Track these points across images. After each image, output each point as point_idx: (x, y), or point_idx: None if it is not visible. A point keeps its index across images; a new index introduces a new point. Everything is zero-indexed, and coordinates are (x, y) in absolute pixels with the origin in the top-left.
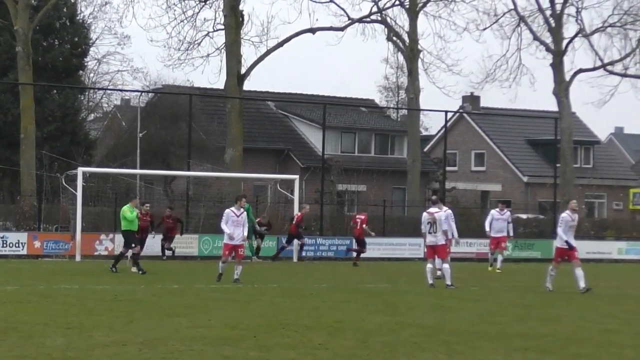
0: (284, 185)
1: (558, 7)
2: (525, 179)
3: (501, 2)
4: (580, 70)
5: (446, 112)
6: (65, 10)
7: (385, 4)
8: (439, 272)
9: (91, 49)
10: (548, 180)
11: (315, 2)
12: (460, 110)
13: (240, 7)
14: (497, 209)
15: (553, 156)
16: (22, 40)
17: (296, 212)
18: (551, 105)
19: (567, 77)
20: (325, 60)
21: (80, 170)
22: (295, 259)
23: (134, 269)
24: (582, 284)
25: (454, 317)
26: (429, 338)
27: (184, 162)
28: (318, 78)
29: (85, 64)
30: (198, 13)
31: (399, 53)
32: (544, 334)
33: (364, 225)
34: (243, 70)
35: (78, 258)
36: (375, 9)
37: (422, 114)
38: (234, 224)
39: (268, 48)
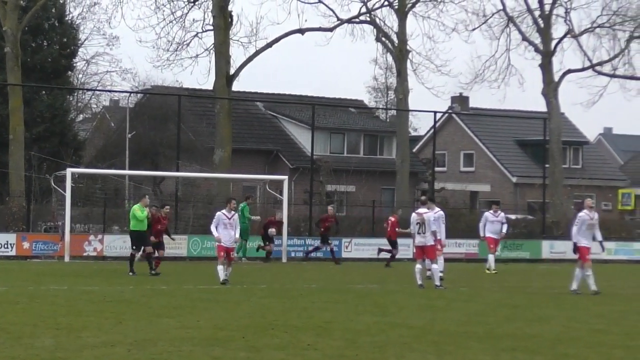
0: (273, 186)
1: (547, 7)
2: (514, 179)
3: (490, 2)
4: (569, 71)
5: (435, 112)
6: (54, 11)
7: (374, 5)
8: (428, 273)
9: (80, 49)
10: (537, 180)
11: (304, 2)
12: (449, 111)
13: (229, 8)
14: (491, 211)
15: (542, 157)
16: (11, 41)
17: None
18: (540, 105)
19: (556, 78)
20: (314, 60)
21: (69, 170)
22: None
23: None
24: (574, 286)
25: (443, 317)
26: (418, 338)
27: (172, 162)
28: (307, 79)
29: (74, 64)
30: (187, 14)
31: (388, 54)
32: (532, 334)
33: (396, 228)
34: (232, 71)
35: (67, 259)
36: (364, 10)
37: (411, 114)
38: (225, 227)
39: (257, 49)
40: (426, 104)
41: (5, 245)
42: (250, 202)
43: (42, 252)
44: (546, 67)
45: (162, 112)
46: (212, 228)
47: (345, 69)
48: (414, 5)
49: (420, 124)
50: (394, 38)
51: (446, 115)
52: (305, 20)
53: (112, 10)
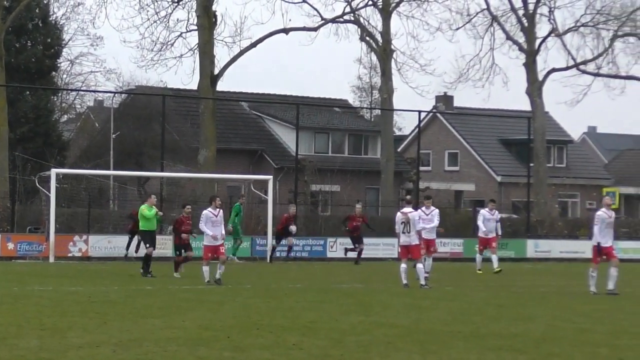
0: (258, 185)
1: (531, 6)
2: (498, 178)
3: (474, 2)
4: (553, 70)
5: (419, 112)
6: (37, 11)
7: (358, 4)
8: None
9: (64, 50)
10: (521, 179)
11: (288, 2)
12: (434, 110)
13: (213, 8)
14: (487, 209)
15: (526, 156)
16: None
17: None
18: (524, 104)
19: (540, 77)
20: (299, 60)
21: (54, 171)
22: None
23: (176, 274)
24: (611, 285)
25: (428, 316)
26: (403, 338)
27: (157, 163)
28: (291, 78)
29: (58, 65)
30: (171, 14)
31: (372, 53)
32: (517, 333)
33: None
34: (216, 71)
35: (52, 259)
36: (348, 9)
37: (395, 114)
38: (214, 224)
39: (241, 48)
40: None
41: None
42: (243, 202)
43: (27, 253)
44: (530, 66)
45: (146, 112)
46: (203, 227)
47: (329, 68)
48: (398, 4)
49: (405, 124)
50: (378, 37)
51: (431, 114)
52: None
53: (96, 10)
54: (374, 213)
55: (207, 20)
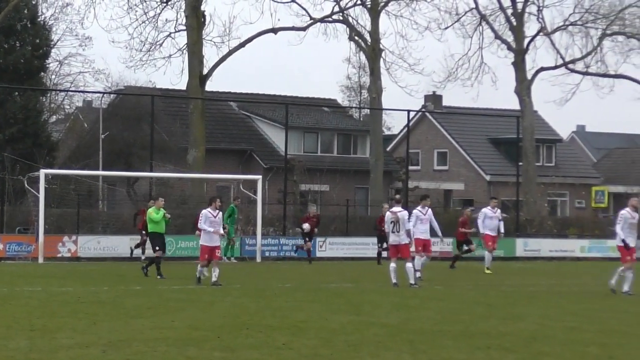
0: (247, 185)
1: (519, 5)
2: (487, 177)
3: (463, 1)
4: (542, 69)
5: (408, 111)
6: (26, 12)
7: (346, 4)
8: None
9: (53, 50)
10: (510, 178)
11: (277, 2)
12: (423, 110)
13: (202, 8)
14: (489, 207)
15: (515, 155)
16: None
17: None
18: (513, 103)
19: (529, 76)
20: (287, 60)
21: (43, 172)
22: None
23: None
24: (626, 287)
25: (418, 316)
26: (393, 337)
27: (146, 163)
28: (280, 78)
29: (47, 65)
30: (159, 14)
31: (361, 52)
32: (506, 332)
33: (461, 228)
34: (205, 71)
35: (41, 260)
36: (337, 9)
37: (384, 113)
38: (212, 225)
39: (230, 48)
40: (399, 103)
41: None
42: (238, 203)
43: (16, 254)
44: (519, 65)
45: (135, 112)
46: (203, 225)
47: (318, 68)
48: (386, 4)
49: (394, 123)
50: (367, 37)
51: (419, 114)
52: (278, 20)
53: (84, 11)
54: (363, 213)
55: (195, 21)
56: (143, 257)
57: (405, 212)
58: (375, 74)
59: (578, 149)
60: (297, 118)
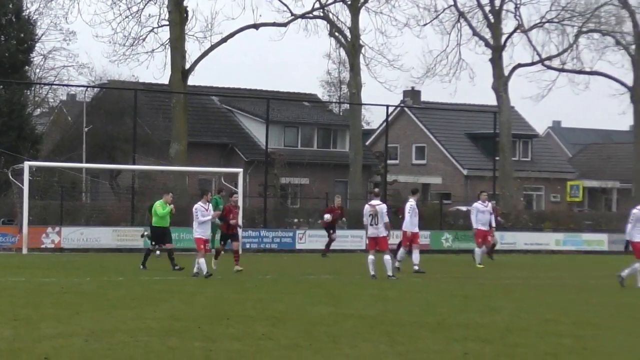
0: (228, 178)
1: (497, 3)
2: (465, 172)
3: None
4: (519, 65)
5: (387, 106)
6: (11, 6)
7: (327, 0)
8: (397, 264)
9: (37, 44)
10: (487, 173)
11: None
12: (401, 105)
13: (185, 3)
14: (480, 201)
15: (492, 149)
16: None
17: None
18: (490, 99)
19: (506, 72)
20: (269, 55)
21: (27, 164)
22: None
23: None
24: (624, 273)
25: (396, 307)
26: (371, 328)
27: (129, 156)
28: (261, 73)
29: (31, 59)
30: (143, 9)
31: (341, 48)
32: (483, 324)
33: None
34: (187, 66)
35: (25, 251)
36: (317, 5)
37: (363, 108)
38: (204, 217)
39: (212, 43)
40: (379, 98)
41: None
42: (222, 195)
43: (0, 245)
44: (496, 61)
45: (118, 106)
46: (202, 218)
47: (299, 63)
48: (366, 0)
49: (373, 118)
50: (347, 33)
51: (398, 109)
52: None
53: (68, 5)
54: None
55: (178, 16)
56: (158, 253)
57: (384, 206)
58: (355, 69)
59: (554, 144)
60: (278, 112)
